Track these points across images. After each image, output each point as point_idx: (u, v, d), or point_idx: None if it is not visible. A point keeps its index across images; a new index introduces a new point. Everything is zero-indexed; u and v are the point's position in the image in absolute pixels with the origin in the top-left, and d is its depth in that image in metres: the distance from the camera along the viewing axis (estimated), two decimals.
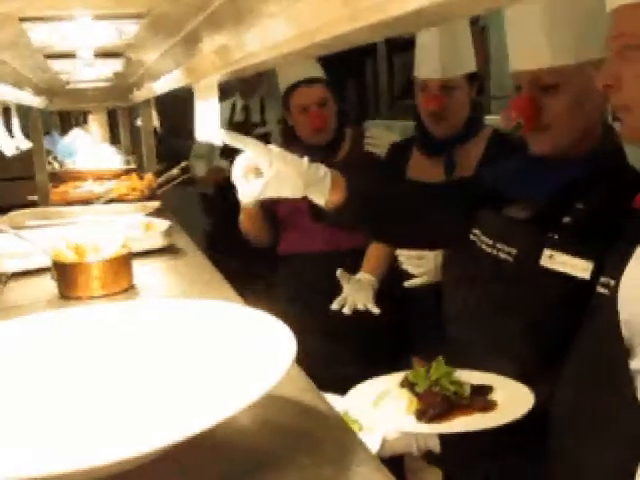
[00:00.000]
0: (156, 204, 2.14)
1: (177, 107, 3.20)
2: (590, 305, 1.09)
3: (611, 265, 1.05)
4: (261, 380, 0.60)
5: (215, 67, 0.93)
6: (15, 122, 2.01)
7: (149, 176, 2.50)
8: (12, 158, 2.11)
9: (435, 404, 1.25)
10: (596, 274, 1.12)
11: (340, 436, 0.66)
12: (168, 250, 1.64)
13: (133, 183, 2.45)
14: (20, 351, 0.80)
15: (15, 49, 1.09)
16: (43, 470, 0.50)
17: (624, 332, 0.99)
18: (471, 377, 1.31)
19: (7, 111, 2.04)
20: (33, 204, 2.45)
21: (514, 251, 1.25)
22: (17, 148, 1.99)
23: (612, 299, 1.01)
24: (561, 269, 1.19)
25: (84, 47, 1.10)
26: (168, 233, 1.68)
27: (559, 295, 1.19)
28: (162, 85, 1.60)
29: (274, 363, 0.63)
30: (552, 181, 1.27)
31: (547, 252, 1.20)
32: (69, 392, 0.74)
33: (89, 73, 1.71)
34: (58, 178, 2.69)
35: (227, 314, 0.81)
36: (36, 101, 2.15)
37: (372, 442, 1.26)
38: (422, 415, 1.24)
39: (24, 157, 2.42)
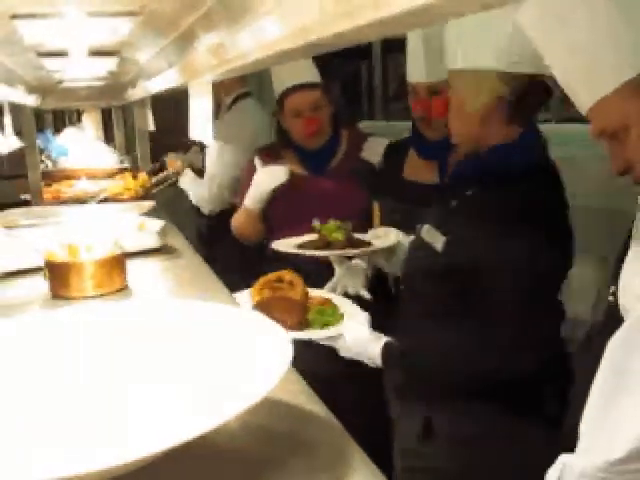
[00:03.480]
0: (150, 204, 2.13)
1: (170, 106, 3.19)
2: (604, 317, 1.16)
3: (615, 274, 1.10)
4: (257, 384, 0.59)
5: (209, 66, 0.92)
6: (7, 120, 2.00)
7: (143, 175, 2.49)
8: (5, 157, 2.10)
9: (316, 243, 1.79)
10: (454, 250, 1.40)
11: (335, 440, 0.65)
12: (162, 250, 1.63)
13: (127, 182, 2.43)
14: (11, 351, 0.79)
15: (7, 47, 1.08)
16: (25, 476, 0.49)
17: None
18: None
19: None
20: (26, 203, 2.44)
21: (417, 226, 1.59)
22: (8, 147, 1.98)
23: (616, 303, 1.06)
24: (427, 239, 1.49)
25: (77, 45, 1.09)
26: (162, 233, 1.67)
27: (425, 263, 1.51)
28: (156, 84, 1.59)
29: (270, 367, 0.62)
30: (449, 171, 1.63)
31: (426, 226, 1.51)
32: (61, 394, 0.73)
33: (83, 71, 1.70)
34: (51, 177, 2.67)
35: (222, 316, 0.80)
36: (29, 99, 2.13)
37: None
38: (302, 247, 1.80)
39: (17, 155, 2.40)
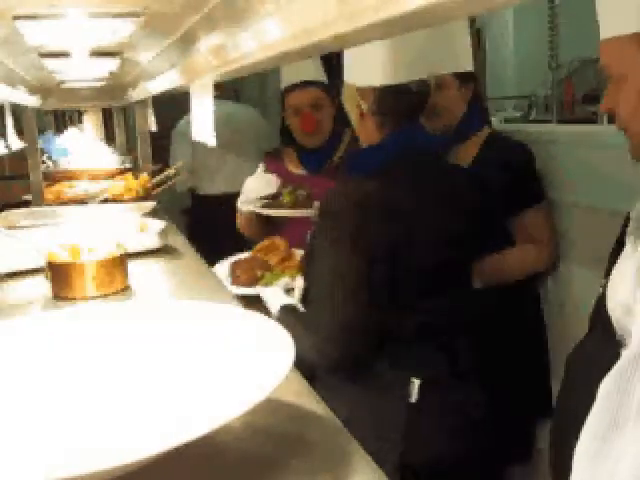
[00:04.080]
0: (152, 204, 2.13)
1: (171, 107, 3.22)
2: (594, 310, 1.20)
3: (608, 268, 1.12)
4: (259, 385, 0.59)
5: (211, 67, 0.93)
6: (9, 121, 2.00)
7: (144, 176, 2.49)
8: (6, 157, 2.10)
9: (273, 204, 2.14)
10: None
11: (337, 441, 0.65)
12: (163, 251, 1.63)
13: (128, 183, 2.43)
14: (12, 353, 0.79)
15: (8, 47, 1.08)
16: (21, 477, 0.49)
17: (614, 324, 1.06)
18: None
19: (1, 110, 2.03)
20: (27, 203, 2.44)
21: None
22: (9, 148, 1.98)
23: (604, 295, 1.10)
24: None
25: (79, 46, 1.09)
26: (163, 234, 1.67)
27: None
28: (158, 85, 1.59)
29: (272, 367, 0.62)
30: None
31: None
32: (61, 395, 0.73)
33: (84, 72, 1.70)
34: (52, 177, 2.67)
35: (224, 316, 0.81)
36: (30, 100, 2.13)
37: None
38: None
39: (18, 156, 2.41)
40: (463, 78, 1.83)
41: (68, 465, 0.50)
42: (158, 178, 2.51)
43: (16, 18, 0.77)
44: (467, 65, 1.84)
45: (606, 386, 0.91)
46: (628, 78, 1.08)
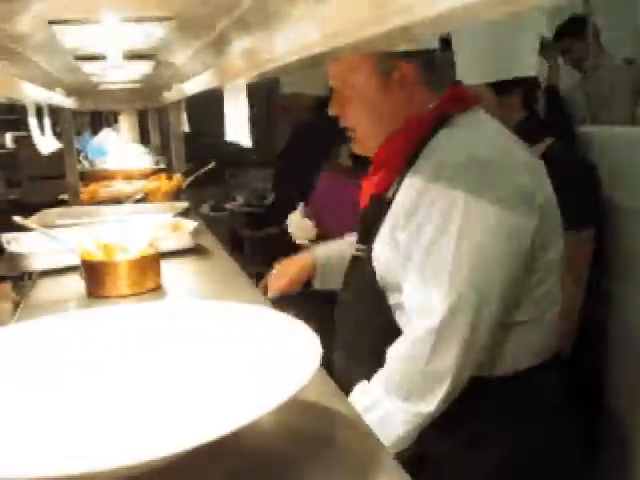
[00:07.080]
0: (184, 204, 2.16)
1: (203, 108, 3.25)
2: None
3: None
4: (286, 384, 0.59)
5: (243, 69, 0.93)
6: (47, 122, 2.04)
7: (177, 176, 2.52)
8: (43, 158, 2.14)
9: None
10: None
11: (364, 443, 0.65)
12: (195, 251, 1.65)
13: (161, 183, 2.46)
14: (46, 349, 0.81)
15: (46, 51, 1.11)
16: (55, 471, 0.50)
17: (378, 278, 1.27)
18: None
19: (39, 112, 2.07)
20: (63, 203, 2.48)
21: None
22: (49, 148, 2.02)
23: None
24: None
25: (113, 49, 1.11)
26: (196, 233, 1.69)
27: None
28: (191, 87, 1.61)
29: (299, 367, 0.62)
30: None
31: None
32: (94, 392, 0.74)
33: (119, 75, 1.73)
34: (88, 177, 2.72)
35: (253, 316, 0.81)
36: (67, 102, 2.17)
37: None
38: None
39: (55, 157, 2.45)
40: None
41: (103, 459, 0.51)
42: (192, 177, 2.54)
43: (52, 23, 0.79)
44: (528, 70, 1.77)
45: (398, 350, 1.13)
46: (352, 101, 1.22)
